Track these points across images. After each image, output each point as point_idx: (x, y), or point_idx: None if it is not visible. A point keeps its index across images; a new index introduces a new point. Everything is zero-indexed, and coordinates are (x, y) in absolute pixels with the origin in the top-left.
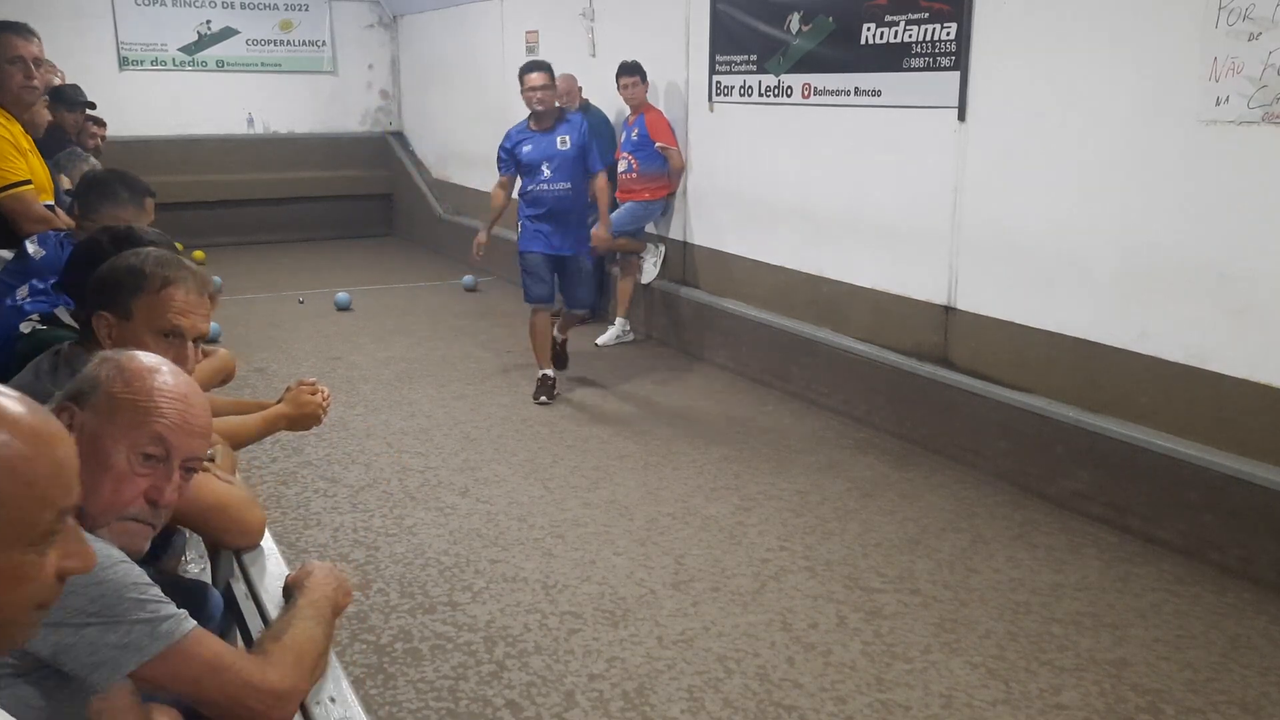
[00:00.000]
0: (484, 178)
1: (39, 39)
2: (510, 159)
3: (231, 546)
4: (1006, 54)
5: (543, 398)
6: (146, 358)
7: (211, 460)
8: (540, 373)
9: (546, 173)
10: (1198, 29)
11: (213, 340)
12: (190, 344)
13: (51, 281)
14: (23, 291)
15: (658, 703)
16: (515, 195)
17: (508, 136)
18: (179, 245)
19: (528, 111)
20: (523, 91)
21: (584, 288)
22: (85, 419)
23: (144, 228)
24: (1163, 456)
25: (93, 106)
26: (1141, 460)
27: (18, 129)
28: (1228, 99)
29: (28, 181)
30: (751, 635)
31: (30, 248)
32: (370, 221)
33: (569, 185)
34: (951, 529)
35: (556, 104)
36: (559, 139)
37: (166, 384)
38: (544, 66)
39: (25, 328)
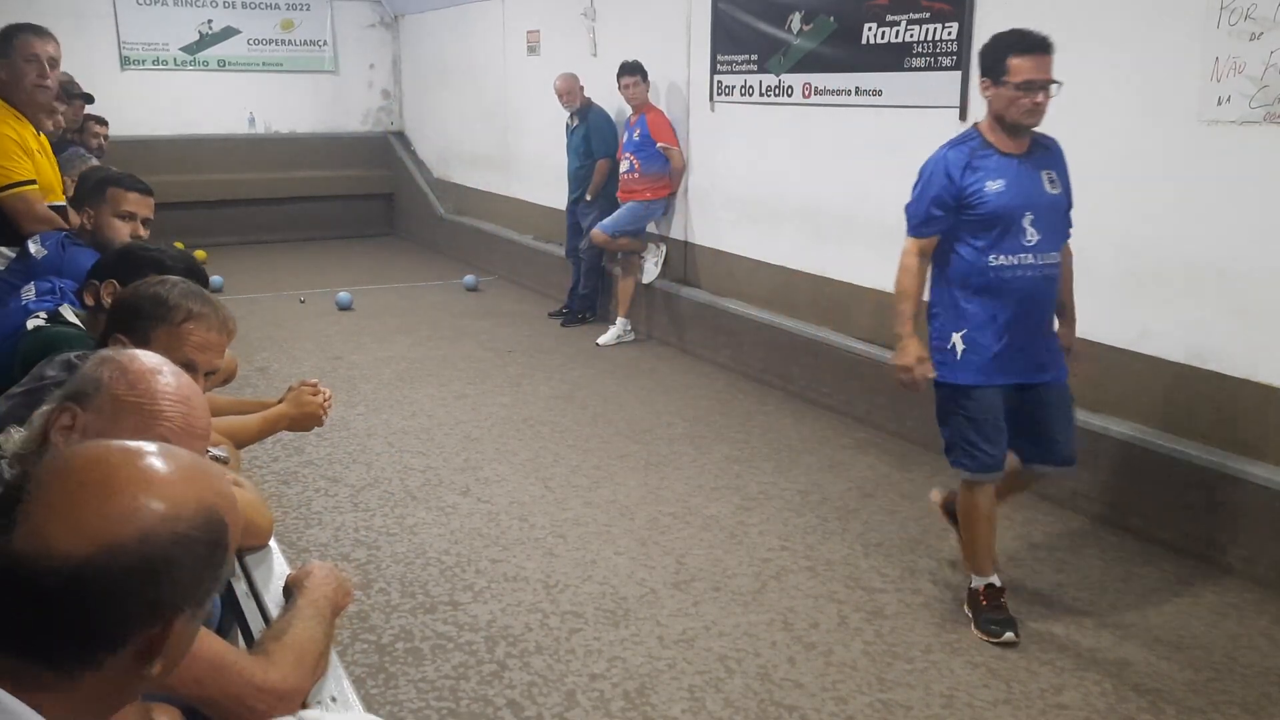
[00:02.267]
0: (485, 177)
1: (56, 40)
2: (954, 204)
3: (240, 547)
4: None
5: (1008, 634)
6: (148, 358)
7: (225, 463)
8: (984, 582)
9: (1031, 234)
10: (1199, 29)
11: None
12: (202, 376)
13: (59, 282)
14: (28, 291)
15: (659, 702)
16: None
17: (944, 160)
18: (179, 244)
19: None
20: (998, 85)
21: (1067, 427)
22: (88, 420)
23: (165, 248)
24: (1164, 456)
25: (90, 100)
26: (1142, 460)
27: (29, 130)
28: (1229, 99)
29: (32, 181)
30: (753, 635)
31: (32, 248)
32: (371, 221)
33: (1057, 257)
34: (953, 529)
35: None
36: (1045, 176)
37: (169, 386)
38: (1047, 45)
39: (31, 325)
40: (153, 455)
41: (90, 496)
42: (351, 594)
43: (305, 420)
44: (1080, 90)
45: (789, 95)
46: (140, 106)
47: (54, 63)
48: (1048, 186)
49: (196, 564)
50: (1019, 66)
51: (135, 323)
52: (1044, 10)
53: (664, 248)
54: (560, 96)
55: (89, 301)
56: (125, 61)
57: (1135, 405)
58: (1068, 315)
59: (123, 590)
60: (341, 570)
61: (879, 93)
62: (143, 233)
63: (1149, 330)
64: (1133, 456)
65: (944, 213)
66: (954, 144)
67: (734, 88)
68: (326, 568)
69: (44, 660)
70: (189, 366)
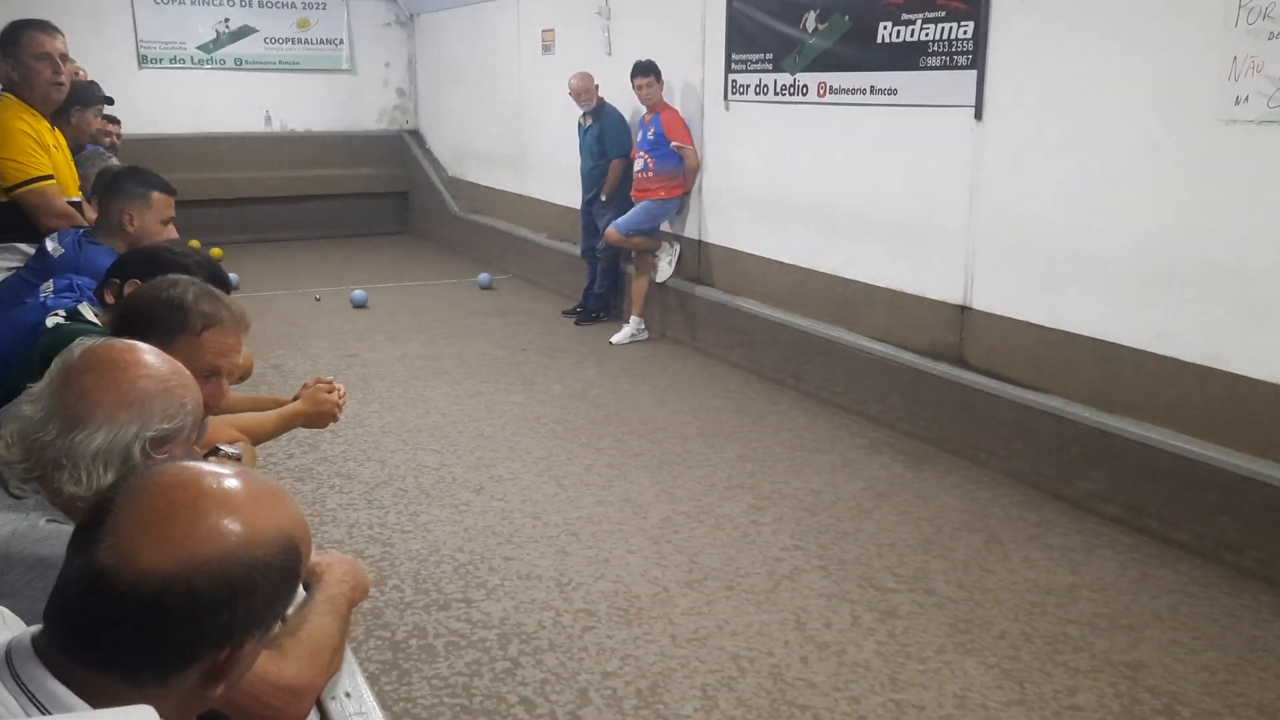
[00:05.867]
0: (499, 176)
1: (63, 35)
2: None
3: None
4: (1024, 53)
5: None
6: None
7: (239, 460)
8: None
9: None
10: (1217, 28)
11: None
12: (226, 378)
13: (76, 280)
14: (47, 288)
15: (671, 701)
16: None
17: None
18: (195, 242)
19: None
20: None
21: None
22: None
23: (190, 251)
24: (1179, 457)
25: (110, 102)
26: (1158, 461)
27: (44, 125)
28: (1247, 98)
29: (49, 176)
30: (765, 634)
31: (50, 245)
32: (386, 219)
33: None
34: (966, 529)
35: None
36: None
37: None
38: None
39: (50, 323)
40: (238, 480)
41: (178, 515)
42: (367, 590)
43: (320, 417)
44: (1098, 89)
45: (804, 94)
46: (157, 105)
47: (64, 59)
48: None
49: (271, 590)
50: None
51: (153, 331)
52: (1061, 9)
53: (678, 246)
54: (576, 96)
55: (109, 299)
56: (143, 60)
57: (1151, 406)
58: None
59: (200, 610)
60: (357, 564)
61: (894, 92)
62: (174, 234)
63: (1165, 330)
64: (1148, 457)
65: None
66: None
67: (748, 87)
68: (346, 561)
69: (118, 674)
70: (215, 373)
